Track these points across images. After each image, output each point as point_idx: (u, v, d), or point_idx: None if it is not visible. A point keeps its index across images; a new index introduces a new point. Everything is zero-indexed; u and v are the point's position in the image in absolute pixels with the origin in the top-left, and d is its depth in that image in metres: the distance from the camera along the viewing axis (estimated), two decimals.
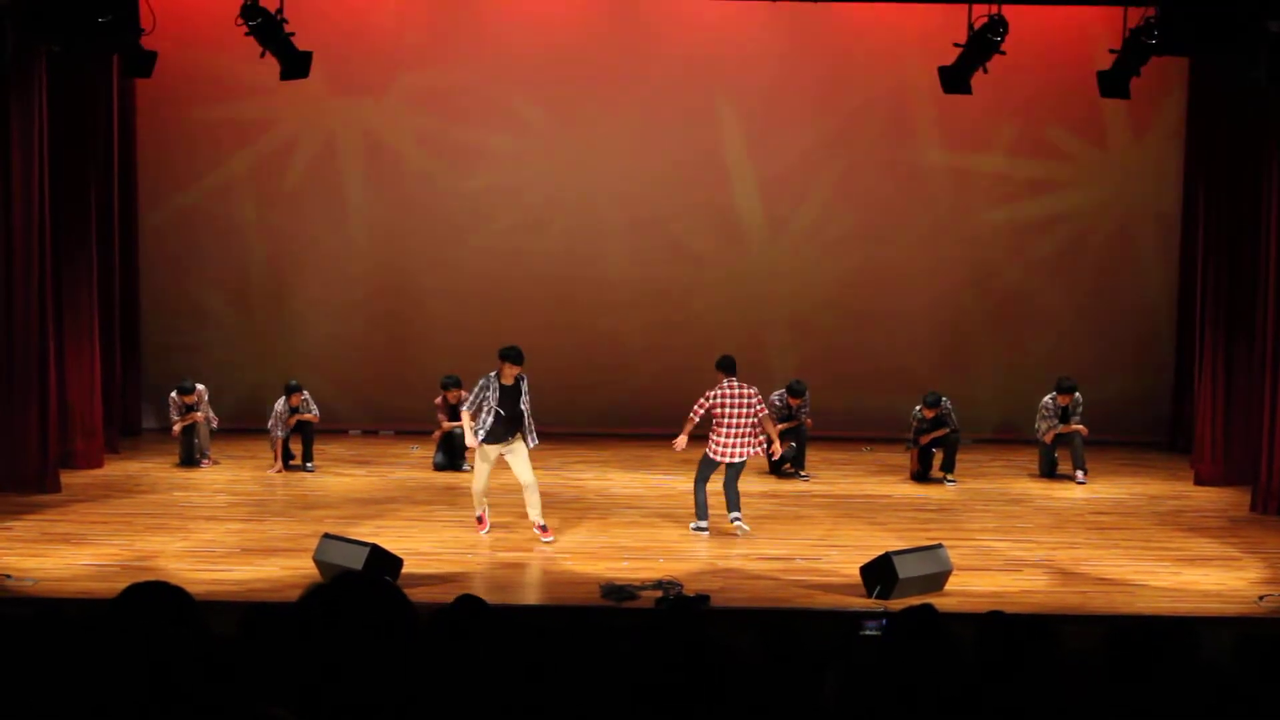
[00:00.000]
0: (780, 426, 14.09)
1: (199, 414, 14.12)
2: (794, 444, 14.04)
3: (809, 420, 14.22)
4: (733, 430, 11.43)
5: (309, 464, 13.93)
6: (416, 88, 15.69)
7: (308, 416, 13.97)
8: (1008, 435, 15.57)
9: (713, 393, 11.42)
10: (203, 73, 15.34)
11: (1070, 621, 9.04)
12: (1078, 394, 14.14)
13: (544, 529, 11.33)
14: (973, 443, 15.07)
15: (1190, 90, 15.19)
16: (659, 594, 9.79)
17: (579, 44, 15.64)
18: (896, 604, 9.17)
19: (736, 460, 11.53)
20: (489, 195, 15.87)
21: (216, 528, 11.70)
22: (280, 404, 13.85)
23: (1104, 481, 13.98)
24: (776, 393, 14.17)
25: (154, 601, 3.16)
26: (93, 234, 13.72)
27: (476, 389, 11.22)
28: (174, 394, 14.14)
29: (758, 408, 11.50)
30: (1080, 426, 14.06)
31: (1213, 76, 13.97)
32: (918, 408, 13.98)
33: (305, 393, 14.00)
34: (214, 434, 14.34)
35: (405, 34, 15.61)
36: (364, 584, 3.10)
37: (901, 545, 10.48)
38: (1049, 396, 14.16)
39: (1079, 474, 13.98)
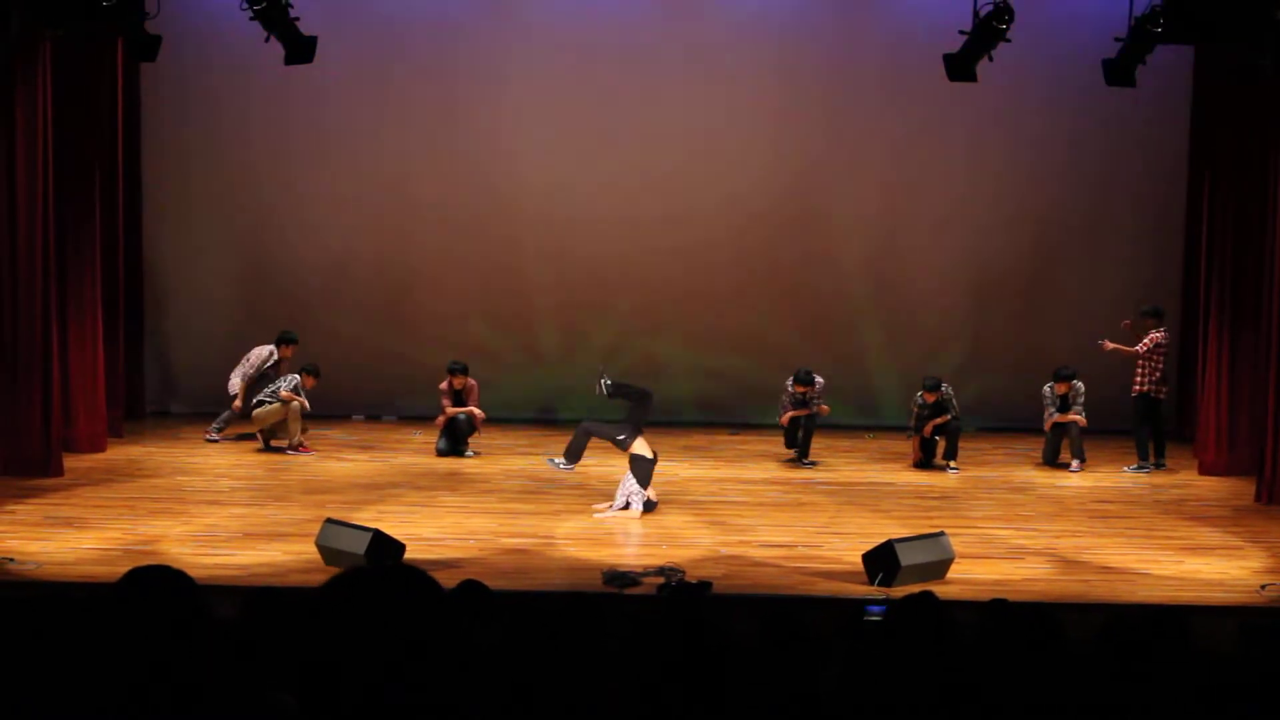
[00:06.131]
0: (793, 413, 14.13)
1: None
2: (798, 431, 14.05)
3: (823, 408, 14.18)
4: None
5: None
6: (422, 70, 15.68)
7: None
8: (1011, 423, 15.56)
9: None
10: (207, 57, 15.33)
11: (1072, 610, 9.03)
12: (1077, 383, 14.11)
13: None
14: (976, 430, 15.07)
15: (1195, 78, 15.14)
16: (661, 580, 9.79)
17: (588, 26, 15.62)
18: (898, 591, 9.16)
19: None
20: (494, 182, 15.84)
21: (219, 512, 11.72)
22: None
23: (1107, 470, 13.97)
24: (790, 381, 14.20)
25: (156, 586, 3.15)
26: (97, 217, 13.71)
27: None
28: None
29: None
30: (1078, 416, 14.04)
31: (1219, 65, 13.92)
32: (919, 393, 14.00)
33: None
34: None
35: (410, 16, 15.57)
36: (402, 578, 2.94)
37: (904, 533, 10.45)
38: (1047, 385, 14.18)
39: (1074, 464, 13.98)
